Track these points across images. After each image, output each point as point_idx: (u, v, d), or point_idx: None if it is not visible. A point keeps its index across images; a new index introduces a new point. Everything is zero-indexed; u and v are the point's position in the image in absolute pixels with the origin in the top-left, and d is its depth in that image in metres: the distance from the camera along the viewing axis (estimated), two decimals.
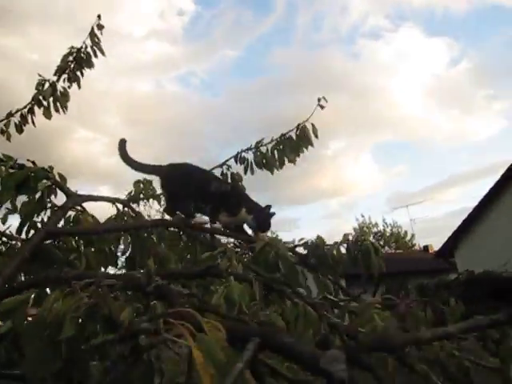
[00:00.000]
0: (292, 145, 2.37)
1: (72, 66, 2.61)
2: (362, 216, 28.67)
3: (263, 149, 2.36)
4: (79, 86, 2.63)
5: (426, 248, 16.87)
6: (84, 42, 2.64)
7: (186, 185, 1.69)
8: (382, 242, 25.95)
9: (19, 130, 2.49)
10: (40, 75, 2.54)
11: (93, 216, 1.74)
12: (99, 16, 2.72)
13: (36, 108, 2.53)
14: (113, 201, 1.90)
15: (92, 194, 1.81)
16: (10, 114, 2.49)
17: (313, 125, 2.46)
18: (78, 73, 2.61)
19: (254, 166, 2.34)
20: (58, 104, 2.52)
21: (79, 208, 1.68)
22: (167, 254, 1.46)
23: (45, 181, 1.70)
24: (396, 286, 14.20)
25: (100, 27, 2.71)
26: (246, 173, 2.34)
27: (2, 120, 2.46)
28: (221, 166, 2.26)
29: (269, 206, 1.84)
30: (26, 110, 2.52)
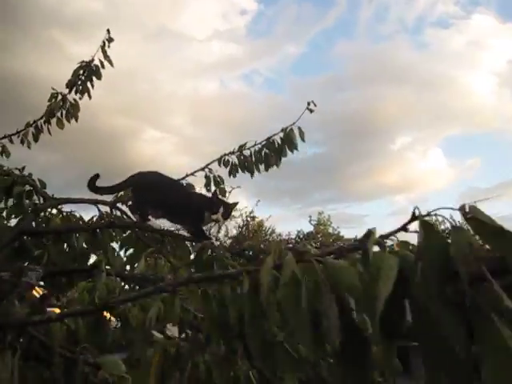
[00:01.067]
0: (275, 148, 2.44)
1: (83, 78, 2.85)
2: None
3: (246, 152, 2.45)
4: (90, 97, 2.87)
5: None
6: (93, 56, 2.87)
7: (145, 191, 1.85)
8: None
9: (36, 138, 2.78)
10: (53, 89, 2.81)
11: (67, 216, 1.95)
12: (108, 30, 2.95)
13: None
14: (94, 202, 2.09)
15: (71, 197, 2.01)
16: (28, 125, 2.79)
17: (299, 128, 2.51)
18: (89, 84, 2.86)
19: (239, 168, 2.44)
20: (70, 115, 2.79)
21: (54, 210, 1.89)
22: (113, 253, 1.61)
23: (26, 186, 1.93)
24: None
25: (110, 40, 2.95)
26: (230, 175, 2.44)
27: (22, 130, 2.77)
28: (203, 169, 2.38)
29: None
30: (42, 120, 2.80)
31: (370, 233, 0.56)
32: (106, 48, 2.88)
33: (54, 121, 2.79)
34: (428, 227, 0.51)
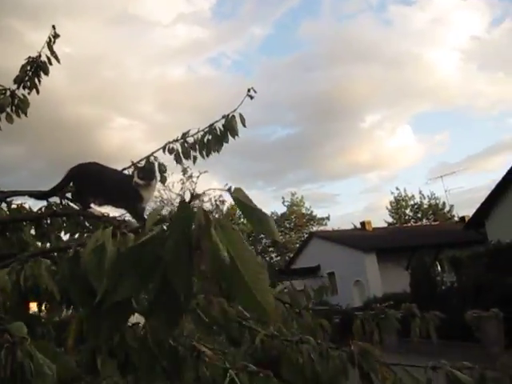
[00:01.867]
0: (217, 135, 2.59)
1: (30, 74, 2.93)
2: (397, 189, 28.15)
3: (190, 139, 2.60)
4: (38, 92, 2.95)
5: (462, 219, 16.42)
6: (39, 52, 2.94)
7: (85, 181, 1.97)
8: (419, 215, 25.42)
9: None
10: (1, 85, 2.88)
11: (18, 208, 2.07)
12: (53, 26, 3.02)
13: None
14: (42, 195, 2.21)
15: (18, 190, 2.12)
16: None
17: (240, 114, 2.66)
18: (36, 80, 2.94)
19: (182, 155, 2.59)
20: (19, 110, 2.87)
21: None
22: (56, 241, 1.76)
23: None
24: (429, 259, 13.97)
25: (56, 36, 3.02)
26: (177, 163, 2.60)
27: None
28: (148, 157, 2.51)
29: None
30: None
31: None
32: (52, 44, 2.96)
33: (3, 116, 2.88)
34: (183, 206, 0.66)
